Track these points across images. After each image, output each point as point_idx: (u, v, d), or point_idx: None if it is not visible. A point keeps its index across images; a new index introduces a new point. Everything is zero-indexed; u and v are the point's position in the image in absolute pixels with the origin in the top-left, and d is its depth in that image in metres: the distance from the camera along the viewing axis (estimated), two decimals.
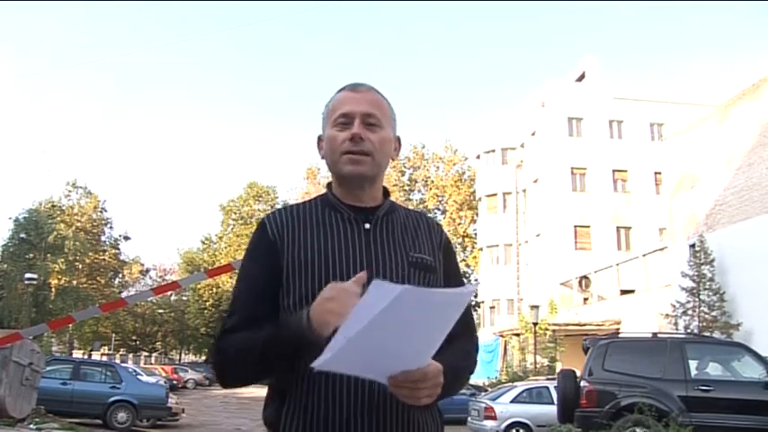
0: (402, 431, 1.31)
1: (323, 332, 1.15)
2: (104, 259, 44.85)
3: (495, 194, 37.40)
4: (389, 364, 1.14)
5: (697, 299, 17.30)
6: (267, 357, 1.27)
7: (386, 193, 1.50)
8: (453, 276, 1.49)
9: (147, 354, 54.16)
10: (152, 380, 17.23)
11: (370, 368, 1.15)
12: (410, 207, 1.59)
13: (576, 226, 31.40)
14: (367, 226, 1.42)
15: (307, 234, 1.40)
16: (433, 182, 49.74)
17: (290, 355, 1.25)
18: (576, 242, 31.28)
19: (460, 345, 1.38)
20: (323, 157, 1.49)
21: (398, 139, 1.53)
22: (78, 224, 41.94)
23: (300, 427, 1.31)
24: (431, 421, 1.40)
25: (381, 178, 1.49)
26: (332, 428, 1.28)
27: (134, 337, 59.80)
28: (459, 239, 46.87)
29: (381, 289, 1.02)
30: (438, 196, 49.16)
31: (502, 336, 29.45)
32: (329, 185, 1.50)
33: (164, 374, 29.36)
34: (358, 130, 1.40)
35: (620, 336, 15.18)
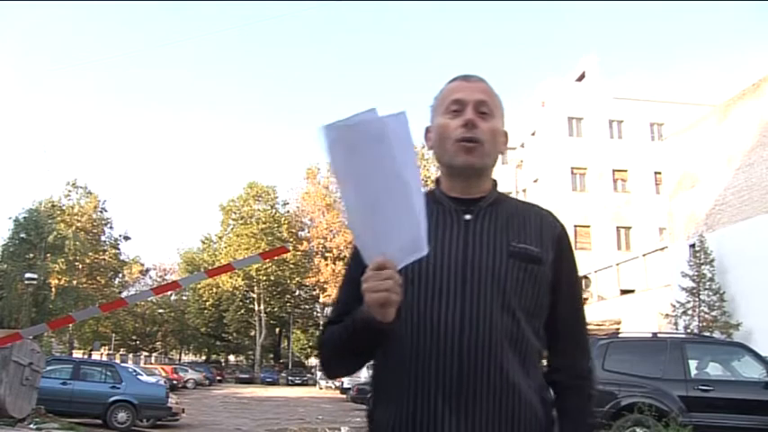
0: (494, 423, 1.27)
1: (383, 317, 1.18)
2: (104, 259, 44.84)
3: None
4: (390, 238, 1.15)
5: (697, 299, 17.29)
6: (351, 344, 1.31)
7: (494, 185, 1.48)
8: (566, 273, 1.43)
9: (147, 354, 54.16)
10: (152, 380, 17.20)
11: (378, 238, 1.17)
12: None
13: (576, 226, 31.38)
14: (467, 217, 1.40)
15: None
16: (433, 181, 49.69)
17: (370, 341, 1.27)
18: (576, 242, 31.23)
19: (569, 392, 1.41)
20: (430, 148, 1.47)
21: (506, 134, 1.49)
22: (78, 224, 41.93)
23: (390, 419, 1.31)
24: (535, 408, 1.31)
25: (491, 171, 1.46)
26: (420, 420, 1.27)
27: (134, 337, 59.83)
28: None
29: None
30: None
31: None
32: (437, 180, 1.50)
33: (164, 374, 29.33)
34: (471, 116, 1.38)
35: (620, 336, 15.13)
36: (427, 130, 1.49)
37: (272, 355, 65.62)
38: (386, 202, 1.13)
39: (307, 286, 53.03)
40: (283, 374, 51.41)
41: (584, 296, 27.86)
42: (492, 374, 1.27)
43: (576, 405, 1.41)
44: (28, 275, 29.04)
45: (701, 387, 8.97)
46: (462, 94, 1.41)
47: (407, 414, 1.28)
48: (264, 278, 51.85)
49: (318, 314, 57.73)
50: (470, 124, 1.38)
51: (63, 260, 37.54)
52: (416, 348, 1.29)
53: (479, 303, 1.29)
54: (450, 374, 1.26)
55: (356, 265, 1.44)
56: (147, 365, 34.87)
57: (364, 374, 18.25)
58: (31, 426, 10.53)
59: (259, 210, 53.08)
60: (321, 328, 1.46)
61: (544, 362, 1.43)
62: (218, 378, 46.78)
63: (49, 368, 12.74)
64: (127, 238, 46.90)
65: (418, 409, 1.27)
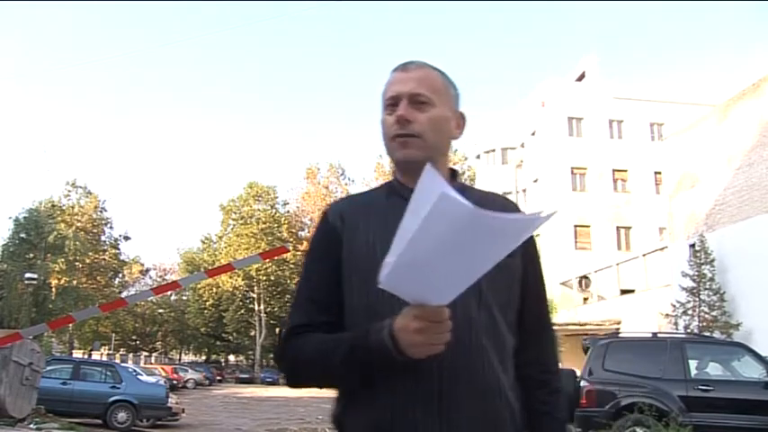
0: (476, 424, 1.22)
1: (416, 357, 1.12)
2: (104, 259, 44.85)
3: None
4: (436, 287, 1.03)
5: (697, 299, 17.30)
6: (343, 371, 1.23)
7: (453, 175, 1.40)
8: (532, 264, 1.40)
9: (147, 354, 54.16)
10: (152, 380, 17.20)
11: (426, 289, 1.04)
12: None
13: (575, 226, 31.39)
14: None
15: (368, 220, 1.33)
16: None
17: (371, 371, 1.20)
18: (575, 242, 31.27)
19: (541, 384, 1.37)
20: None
21: (462, 116, 1.41)
22: (78, 224, 41.93)
23: (365, 426, 1.25)
24: (513, 405, 1.28)
25: (443, 160, 1.38)
26: (398, 426, 1.21)
27: (134, 337, 59.86)
28: None
29: (431, 178, 0.95)
30: None
31: None
32: (394, 171, 1.43)
33: (164, 374, 29.32)
34: (402, 112, 1.32)
35: (620, 335, 15.17)
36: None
37: (272, 355, 65.61)
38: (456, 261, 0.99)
39: None
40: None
41: (584, 296, 27.99)
42: (472, 374, 1.22)
43: (547, 400, 1.37)
44: (28, 275, 29.09)
45: (700, 387, 8.98)
46: (396, 87, 1.35)
47: (384, 420, 1.22)
48: (264, 278, 51.86)
49: None
50: (402, 120, 1.31)
51: (63, 260, 37.55)
52: None
53: (456, 301, 1.17)
54: (430, 376, 1.20)
55: (316, 250, 1.38)
56: (147, 365, 34.85)
57: None
58: (31, 426, 10.53)
59: (259, 210, 53.08)
60: (284, 334, 1.34)
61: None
62: (218, 378, 46.77)
63: (49, 368, 12.75)
64: (127, 238, 46.97)
65: (396, 415, 1.21)
